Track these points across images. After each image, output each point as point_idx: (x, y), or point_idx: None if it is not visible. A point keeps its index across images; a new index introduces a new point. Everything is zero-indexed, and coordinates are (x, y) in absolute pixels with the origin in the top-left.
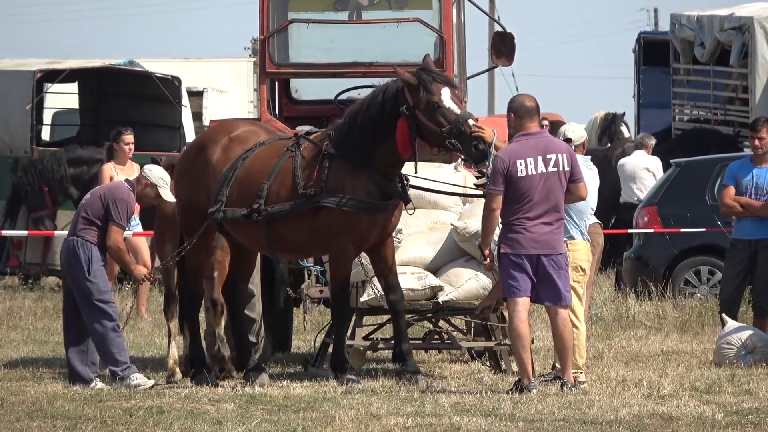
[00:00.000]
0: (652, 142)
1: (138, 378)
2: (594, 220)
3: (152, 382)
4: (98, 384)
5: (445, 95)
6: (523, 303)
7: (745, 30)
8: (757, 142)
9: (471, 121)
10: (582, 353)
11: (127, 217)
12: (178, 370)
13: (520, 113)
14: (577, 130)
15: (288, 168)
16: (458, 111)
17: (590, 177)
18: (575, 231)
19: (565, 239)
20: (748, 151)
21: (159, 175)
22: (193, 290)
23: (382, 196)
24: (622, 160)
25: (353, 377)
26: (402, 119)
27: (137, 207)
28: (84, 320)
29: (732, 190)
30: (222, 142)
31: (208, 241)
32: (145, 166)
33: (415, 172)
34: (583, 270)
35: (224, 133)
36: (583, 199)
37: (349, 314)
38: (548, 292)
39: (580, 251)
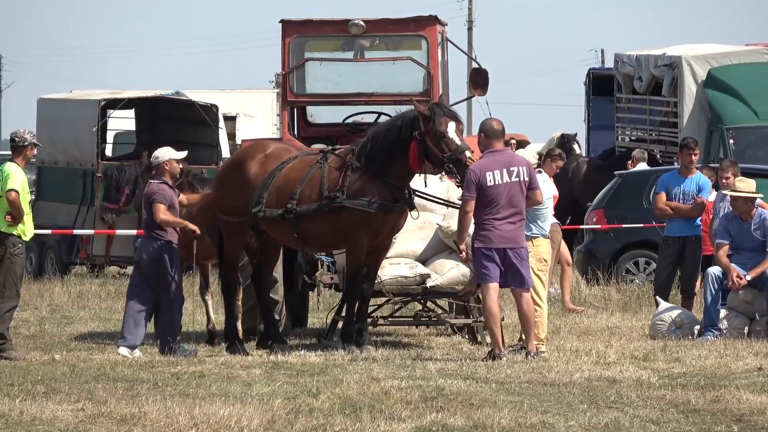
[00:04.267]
0: (646, 155)
1: (186, 349)
2: (553, 220)
3: (196, 350)
4: (137, 353)
5: (451, 128)
6: (494, 287)
7: (675, 66)
8: (693, 157)
9: (467, 153)
10: (543, 328)
11: (163, 198)
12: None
13: (489, 134)
14: (529, 153)
15: (317, 176)
16: (459, 142)
17: (548, 186)
18: (538, 230)
19: (530, 237)
20: (677, 165)
21: (162, 152)
22: (230, 277)
23: (393, 201)
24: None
25: (357, 349)
26: (414, 142)
27: None
28: (167, 304)
29: (663, 196)
30: (259, 158)
31: (243, 237)
32: (153, 154)
33: (425, 185)
34: (545, 261)
35: (260, 151)
36: (540, 203)
37: (359, 295)
38: (514, 279)
39: (543, 246)
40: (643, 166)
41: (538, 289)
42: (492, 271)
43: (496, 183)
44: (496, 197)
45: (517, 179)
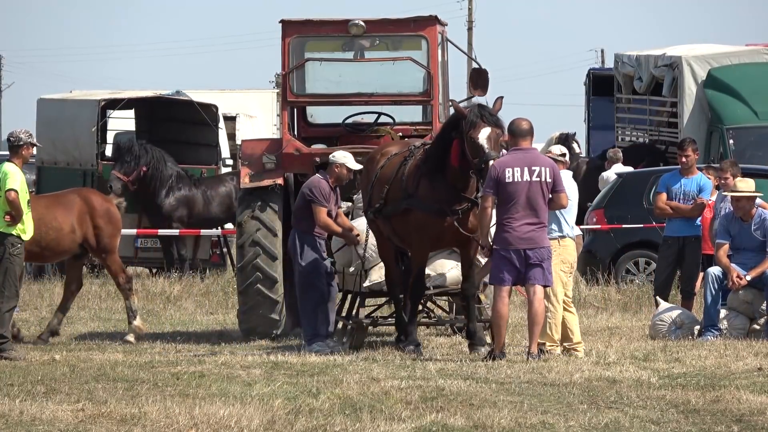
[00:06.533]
0: (620, 155)
1: (318, 346)
2: (578, 230)
3: (326, 348)
4: (331, 343)
5: (483, 134)
6: (506, 289)
7: (675, 67)
8: (683, 159)
9: (492, 162)
10: (557, 330)
11: (323, 197)
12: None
13: (515, 133)
14: (555, 149)
15: (401, 175)
16: (487, 150)
17: (572, 188)
18: (567, 230)
19: (557, 237)
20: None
21: (342, 155)
22: (391, 277)
23: (457, 201)
24: (605, 174)
25: (412, 346)
26: (456, 140)
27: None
28: (297, 293)
29: (664, 196)
30: (377, 159)
31: (384, 236)
32: (331, 154)
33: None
34: (570, 263)
35: (379, 152)
36: (564, 207)
37: (421, 295)
38: (535, 276)
39: (570, 247)
40: (618, 167)
41: (557, 289)
42: (506, 274)
43: (515, 180)
44: (514, 195)
45: (538, 179)
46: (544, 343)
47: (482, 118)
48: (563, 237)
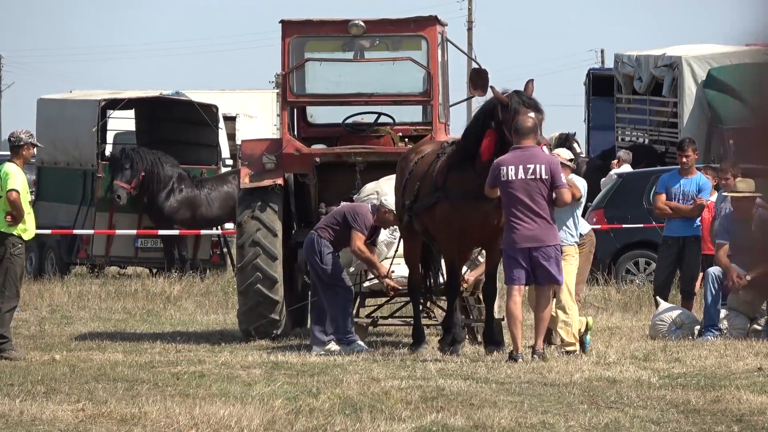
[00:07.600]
0: (630, 156)
1: (359, 344)
2: (590, 227)
3: (365, 346)
4: (332, 346)
5: (530, 119)
6: (518, 289)
7: (675, 67)
8: (684, 159)
9: (544, 149)
10: (575, 329)
11: (366, 227)
12: None
13: (517, 131)
14: (564, 153)
15: (432, 171)
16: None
17: (581, 185)
18: (583, 232)
19: (574, 243)
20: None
21: (393, 202)
22: (412, 278)
23: (481, 195)
24: (613, 172)
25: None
26: (490, 130)
27: None
28: (320, 295)
29: (663, 196)
30: (411, 158)
31: (414, 239)
32: (383, 197)
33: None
34: (588, 263)
35: (413, 151)
36: (567, 203)
37: (458, 289)
38: (543, 276)
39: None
40: (627, 167)
41: (571, 289)
42: (516, 274)
43: (510, 179)
44: (512, 193)
45: (534, 177)
46: (573, 344)
47: (524, 104)
48: (582, 243)
